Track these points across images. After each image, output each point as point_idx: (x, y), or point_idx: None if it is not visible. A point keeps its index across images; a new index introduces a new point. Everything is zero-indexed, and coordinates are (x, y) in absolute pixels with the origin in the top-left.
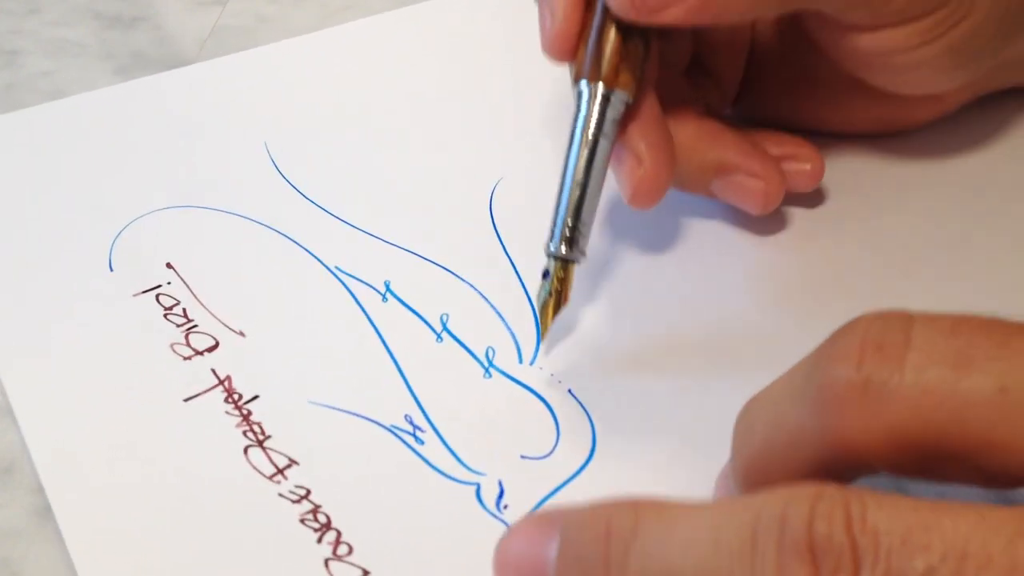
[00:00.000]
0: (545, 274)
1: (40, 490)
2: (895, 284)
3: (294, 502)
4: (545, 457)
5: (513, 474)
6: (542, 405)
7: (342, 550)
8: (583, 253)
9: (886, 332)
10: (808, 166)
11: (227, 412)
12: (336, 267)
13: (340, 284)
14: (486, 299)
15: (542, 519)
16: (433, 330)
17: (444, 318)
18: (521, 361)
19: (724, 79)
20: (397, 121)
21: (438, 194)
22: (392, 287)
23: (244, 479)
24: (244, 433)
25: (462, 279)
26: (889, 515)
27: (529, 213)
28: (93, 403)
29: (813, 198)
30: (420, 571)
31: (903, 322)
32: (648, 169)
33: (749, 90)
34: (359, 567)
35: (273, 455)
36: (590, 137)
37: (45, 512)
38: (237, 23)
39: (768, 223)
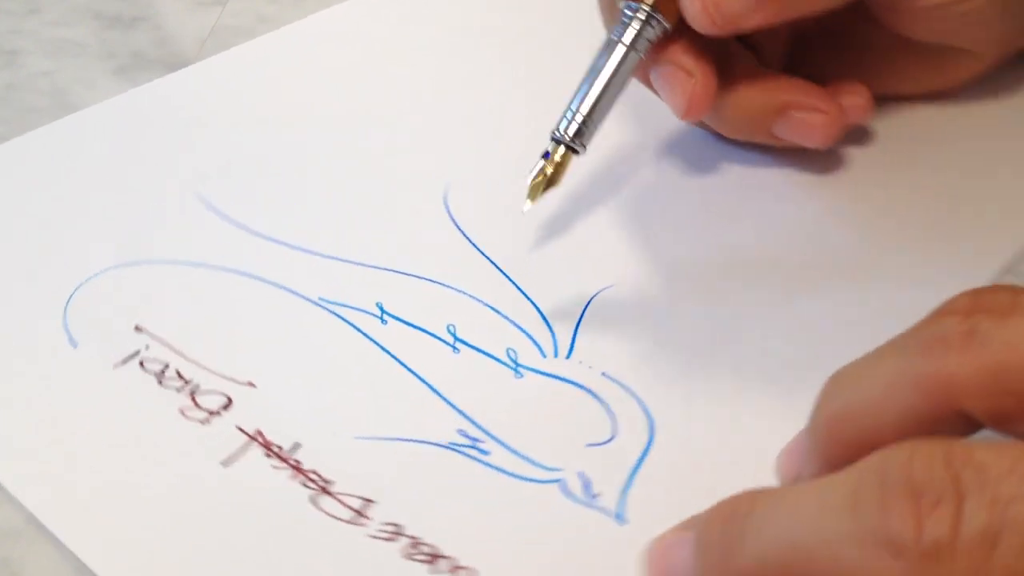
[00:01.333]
0: (545, 155)
1: None
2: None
3: (388, 539)
4: (610, 441)
5: (587, 463)
6: (584, 393)
7: (463, 575)
8: (584, 147)
9: (995, 297)
10: (860, 99)
11: (274, 467)
12: (320, 298)
13: (331, 315)
14: (483, 303)
15: (680, 525)
16: (445, 343)
17: (451, 329)
18: (544, 355)
19: (766, 49)
20: (335, 136)
21: (394, 205)
22: (386, 308)
23: (324, 529)
24: (303, 484)
25: (452, 287)
26: (992, 450)
27: (488, 210)
28: (120, 494)
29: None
30: (547, 573)
31: (1012, 292)
32: (699, 79)
33: (793, 59)
34: None
35: (345, 499)
36: (624, 44)
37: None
38: (237, 23)
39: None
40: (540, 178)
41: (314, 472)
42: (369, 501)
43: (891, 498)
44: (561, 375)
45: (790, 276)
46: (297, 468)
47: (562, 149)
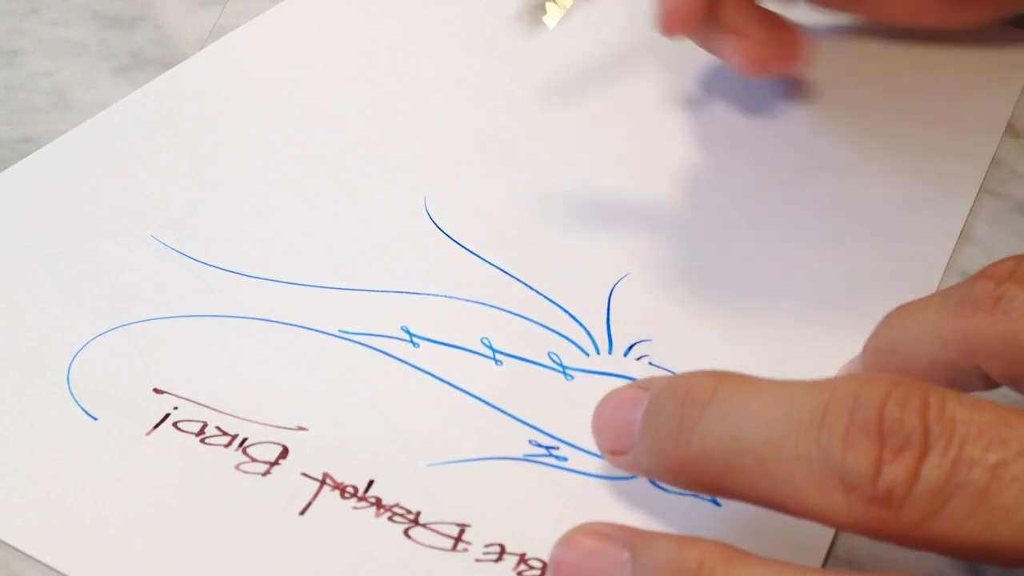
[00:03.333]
0: None
1: None
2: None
3: (496, 561)
4: None
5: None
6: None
7: None
8: None
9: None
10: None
11: (354, 507)
12: (340, 331)
13: (358, 345)
14: (509, 312)
15: (637, 384)
16: (486, 356)
17: (487, 342)
18: (587, 354)
19: None
20: (311, 163)
21: (384, 225)
22: (413, 331)
23: (427, 560)
24: (390, 520)
25: (472, 301)
26: (969, 408)
27: (477, 218)
28: (194, 560)
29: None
30: None
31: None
32: None
33: None
34: None
35: (439, 527)
36: None
37: None
38: (237, 23)
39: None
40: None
41: (398, 506)
42: (464, 526)
43: (857, 432)
44: (611, 371)
45: (804, 234)
46: (379, 504)
47: None
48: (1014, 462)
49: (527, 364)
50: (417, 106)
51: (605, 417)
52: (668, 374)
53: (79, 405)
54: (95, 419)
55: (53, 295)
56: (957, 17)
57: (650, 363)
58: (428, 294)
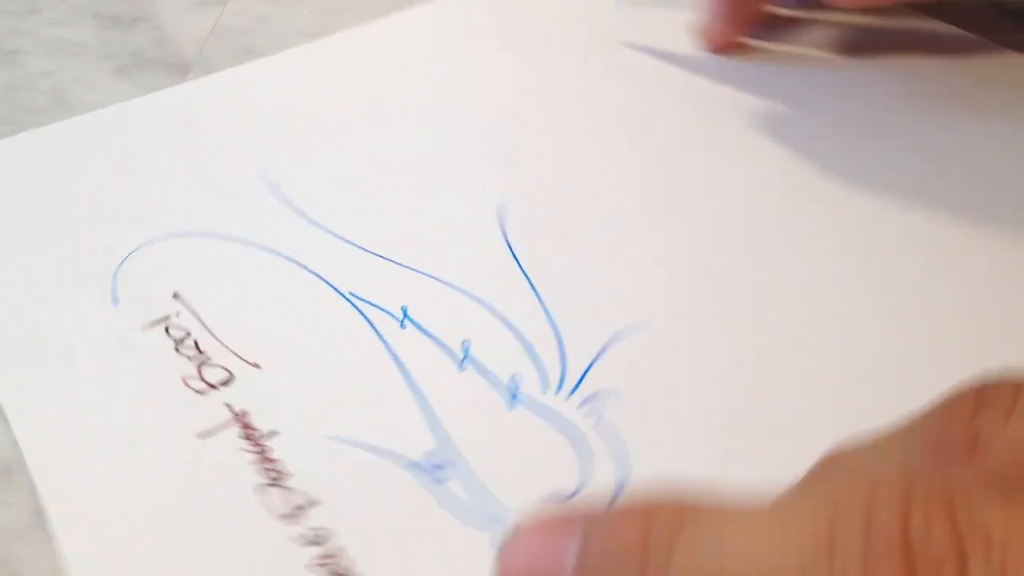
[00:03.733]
0: None
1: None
2: None
3: (308, 544)
4: (572, 495)
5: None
6: (565, 438)
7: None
8: None
9: (999, 393)
10: None
11: (244, 449)
12: (351, 293)
13: (356, 311)
14: (508, 324)
15: (558, 519)
16: (455, 358)
17: (466, 344)
18: (545, 389)
19: None
20: (400, 138)
21: (448, 213)
22: (410, 313)
23: (254, 519)
24: (261, 471)
25: (482, 302)
26: (1002, 509)
27: (541, 229)
28: (101, 437)
29: None
30: None
31: (1015, 387)
32: None
33: None
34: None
35: (291, 495)
36: None
37: (45, 512)
38: (237, 23)
39: None
40: None
41: (277, 462)
42: (314, 502)
43: (881, 559)
44: (552, 413)
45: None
46: (263, 455)
47: None
48: None
49: (484, 379)
50: (512, 112)
51: (518, 563)
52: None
53: (113, 289)
54: (115, 304)
55: (141, 195)
56: None
57: (597, 421)
58: (444, 281)
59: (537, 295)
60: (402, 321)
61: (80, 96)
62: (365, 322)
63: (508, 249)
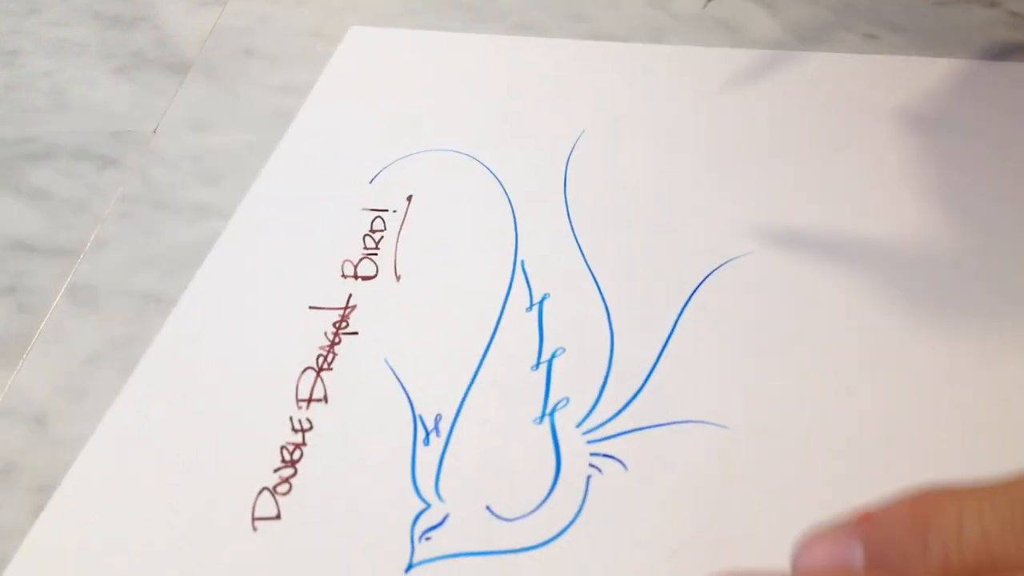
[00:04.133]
0: None
1: (39, 490)
2: None
3: (293, 431)
4: (506, 520)
5: (462, 518)
6: (553, 474)
7: (282, 488)
8: None
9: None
10: None
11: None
12: (523, 261)
13: (510, 278)
14: (611, 356)
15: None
16: (539, 358)
17: (557, 352)
18: (579, 424)
19: None
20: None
21: (659, 245)
22: (545, 303)
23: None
24: (317, 358)
25: (611, 325)
26: None
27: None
28: None
29: None
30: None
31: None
32: None
33: None
34: (278, 509)
35: (320, 383)
36: None
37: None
38: (237, 23)
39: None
40: None
41: (333, 355)
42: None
43: None
44: (561, 445)
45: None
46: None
47: None
48: None
49: (541, 387)
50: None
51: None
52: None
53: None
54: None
55: None
56: None
57: (588, 477)
58: (600, 293)
59: (660, 355)
60: (531, 306)
61: (80, 96)
62: (505, 292)
63: (681, 308)
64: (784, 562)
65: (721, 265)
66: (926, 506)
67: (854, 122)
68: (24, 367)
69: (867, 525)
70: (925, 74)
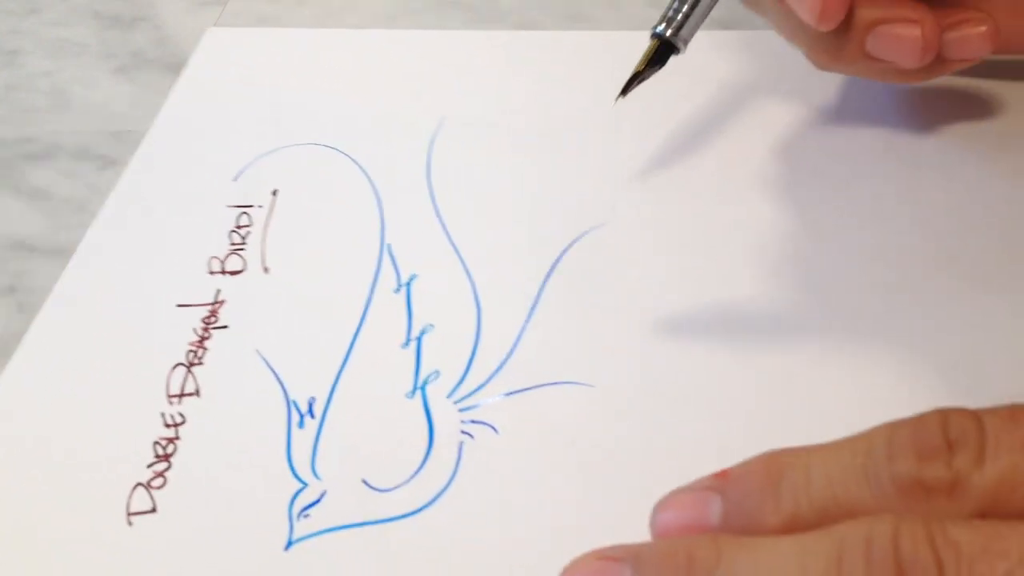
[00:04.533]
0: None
1: None
2: None
3: (165, 425)
4: (382, 491)
5: (340, 494)
6: (426, 444)
7: (157, 482)
8: (685, 44)
9: (964, 430)
10: (983, 28)
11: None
12: (389, 245)
13: (377, 262)
14: (479, 329)
15: (610, 553)
16: (409, 336)
17: (427, 328)
18: (450, 395)
19: None
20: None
21: (515, 225)
22: (413, 283)
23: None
24: (187, 354)
25: (478, 300)
26: (968, 530)
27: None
28: None
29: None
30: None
31: (976, 421)
32: None
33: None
34: (154, 503)
35: (191, 378)
36: None
37: None
38: (237, 23)
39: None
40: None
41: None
42: (198, 393)
43: (879, 569)
44: (433, 416)
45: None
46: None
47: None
48: (1018, 568)
49: (412, 362)
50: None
51: None
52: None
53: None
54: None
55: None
56: None
57: (460, 444)
58: (468, 270)
59: (525, 324)
60: (399, 287)
61: (80, 96)
62: (373, 273)
63: (543, 280)
64: (646, 501)
65: (580, 236)
66: (778, 461)
67: (710, 95)
68: None
69: (723, 481)
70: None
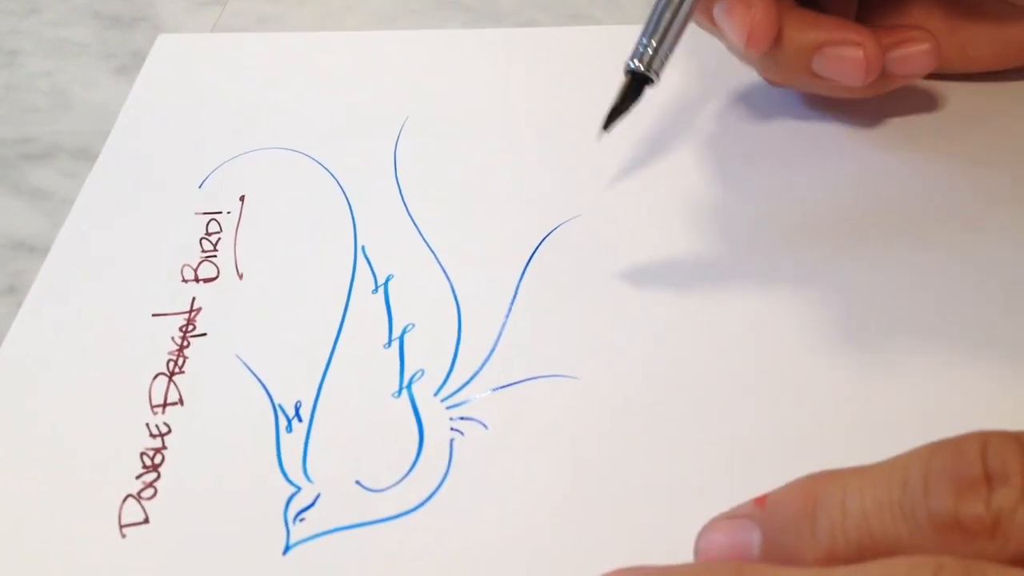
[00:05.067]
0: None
1: None
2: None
3: (151, 436)
4: (377, 491)
5: (334, 496)
6: (417, 443)
7: (147, 493)
8: (658, 75)
9: (1005, 460)
10: (925, 45)
11: (172, 338)
12: (363, 247)
13: (352, 264)
14: (460, 326)
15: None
16: (391, 336)
17: (408, 328)
18: (436, 393)
19: (838, 7)
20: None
21: (490, 223)
22: (390, 285)
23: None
24: (167, 363)
25: (456, 297)
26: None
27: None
28: None
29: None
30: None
31: (1015, 445)
32: (759, 10)
33: (867, 22)
34: (146, 514)
35: (173, 387)
36: None
37: None
38: (237, 23)
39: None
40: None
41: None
42: (181, 402)
43: None
44: (421, 415)
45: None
46: (180, 350)
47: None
48: None
49: (396, 362)
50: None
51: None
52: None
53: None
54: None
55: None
56: (1004, 53)
57: (451, 441)
58: (443, 269)
59: (505, 319)
60: (377, 288)
61: (80, 96)
62: (350, 275)
63: (520, 274)
64: (639, 491)
65: (553, 230)
66: (813, 489)
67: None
68: None
69: (762, 511)
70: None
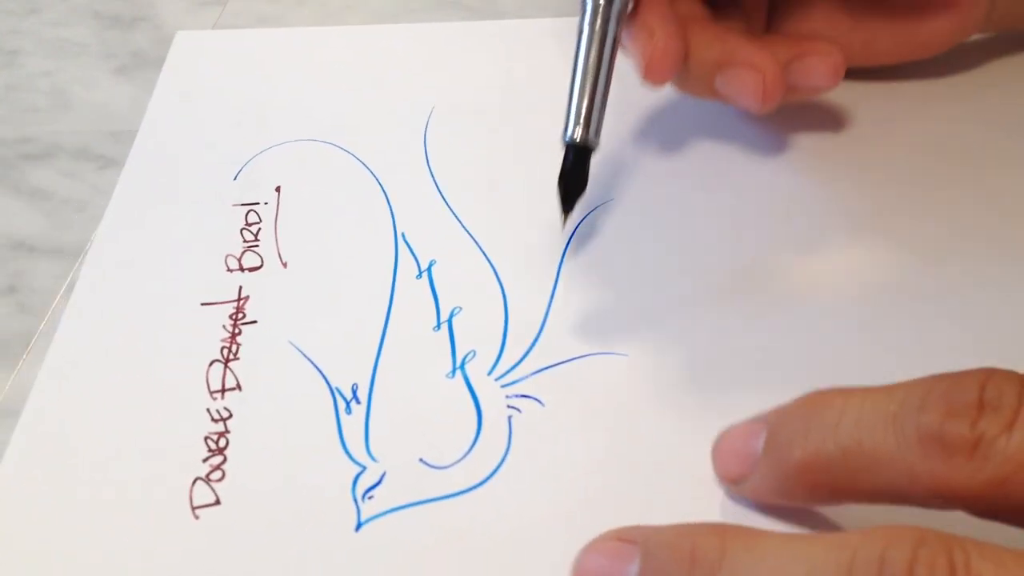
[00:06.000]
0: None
1: None
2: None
3: (213, 420)
4: (441, 468)
5: (399, 474)
6: (476, 421)
7: (215, 475)
8: (597, 139)
9: (1003, 393)
10: (829, 59)
11: (223, 326)
12: (403, 233)
13: (394, 250)
14: (506, 307)
15: (622, 536)
16: (439, 319)
17: (455, 311)
18: (490, 372)
19: (749, 8)
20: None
21: (520, 206)
22: (433, 270)
23: (189, 384)
24: (221, 350)
25: (499, 280)
26: (994, 565)
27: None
28: None
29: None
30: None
31: (1016, 383)
32: (659, 40)
33: (776, 21)
34: (216, 495)
35: (230, 373)
36: (598, 27)
37: None
38: (237, 23)
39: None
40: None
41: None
42: (238, 387)
43: None
44: (477, 394)
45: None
46: (232, 336)
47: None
48: None
49: (447, 343)
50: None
51: (590, 570)
52: (655, 524)
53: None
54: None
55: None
56: (911, 46)
57: (509, 419)
58: (486, 255)
59: (551, 299)
60: (421, 273)
61: (80, 96)
62: (393, 262)
63: (560, 256)
64: (692, 463)
65: (589, 213)
66: (821, 399)
67: None
68: (24, 367)
69: (772, 415)
70: None
